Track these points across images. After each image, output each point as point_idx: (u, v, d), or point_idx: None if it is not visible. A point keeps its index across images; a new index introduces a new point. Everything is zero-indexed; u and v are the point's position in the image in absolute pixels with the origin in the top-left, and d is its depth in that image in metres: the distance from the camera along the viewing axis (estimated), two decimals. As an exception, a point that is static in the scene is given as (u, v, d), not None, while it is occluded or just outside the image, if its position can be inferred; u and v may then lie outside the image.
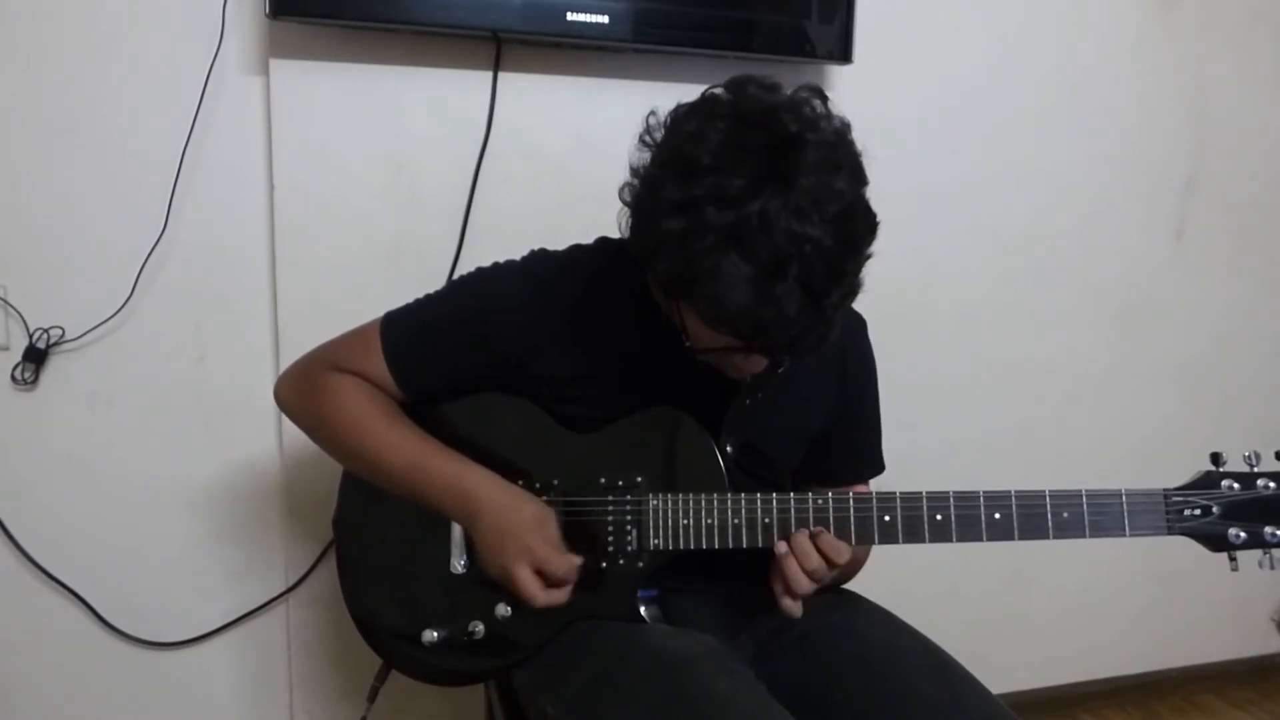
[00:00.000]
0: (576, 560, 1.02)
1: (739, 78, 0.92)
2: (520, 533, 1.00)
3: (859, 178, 0.90)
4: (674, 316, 0.98)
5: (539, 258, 1.12)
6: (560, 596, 1.01)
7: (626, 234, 0.98)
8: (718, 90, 0.92)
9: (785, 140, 0.86)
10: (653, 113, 0.97)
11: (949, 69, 1.77)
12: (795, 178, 0.84)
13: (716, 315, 0.88)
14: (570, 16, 1.41)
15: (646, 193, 0.93)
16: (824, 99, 0.92)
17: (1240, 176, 2.01)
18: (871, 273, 0.92)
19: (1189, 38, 1.91)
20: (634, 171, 0.97)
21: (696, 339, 0.96)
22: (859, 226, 0.88)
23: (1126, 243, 1.96)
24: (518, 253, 1.13)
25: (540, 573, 1.00)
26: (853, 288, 0.90)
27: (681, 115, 0.93)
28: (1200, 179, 1.98)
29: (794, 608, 1.02)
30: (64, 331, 1.43)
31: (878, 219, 0.91)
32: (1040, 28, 1.82)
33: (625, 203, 0.98)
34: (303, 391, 1.13)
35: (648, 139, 0.96)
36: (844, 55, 1.55)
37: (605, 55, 1.54)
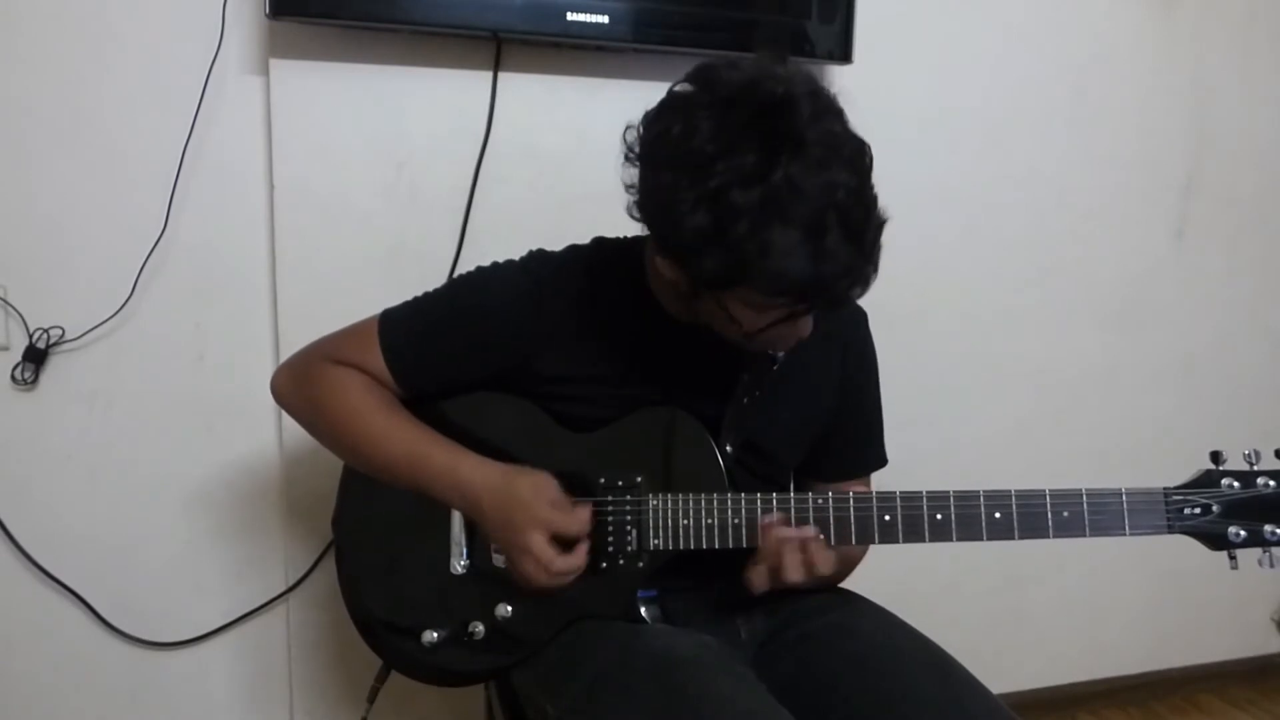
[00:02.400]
0: (586, 510, 1.02)
1: (699, 67, 0.92)
2: (524, 503, 1.00)
3: (843, 115, 0.91)
4: (713, 316, 0.97)
5: (537, 258, 1.12)
6: (577, 560, 1.01)
7: (646, 232, 0.97)
8: (682, 86, 0.91)
9: (776, 105, 0.86)
10: (629, 127, 0.96)
11: (949, 69, 1.77)
12: (802, 134, 0.85)
13: (778, 289, 0.88)
14: (570, 16, 1.41)
15: (662, 200, 0.90)
16: (784, 59, 0.92)
17: (1240, 176, 2.01)
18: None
19: (1189, 38, 1.91)
20: (631, 188, 0.96)
21: (747, 324, 0.95)
22: (866, 160, 0.90)
23: (1126, 243, 1.96)
24: (518, 253, 1.13)
25: (555, 537, 1.00)
26: (881, 218, 0.90)
27: (655, 118, 0.92)
28: (1200, 179, 1.98)
29: (763, 584, 1.02)
30: (64, 331, 1.43)
31: (867, 143, 0.91)
32: (1040, 28, 1.82)
33: (637, 219, 0.97)
34: (300, 383, 1.13)
35: (631, 154, 0.96)
36: (844, 55, 1.56)
37: (605, 55, 1.54)
